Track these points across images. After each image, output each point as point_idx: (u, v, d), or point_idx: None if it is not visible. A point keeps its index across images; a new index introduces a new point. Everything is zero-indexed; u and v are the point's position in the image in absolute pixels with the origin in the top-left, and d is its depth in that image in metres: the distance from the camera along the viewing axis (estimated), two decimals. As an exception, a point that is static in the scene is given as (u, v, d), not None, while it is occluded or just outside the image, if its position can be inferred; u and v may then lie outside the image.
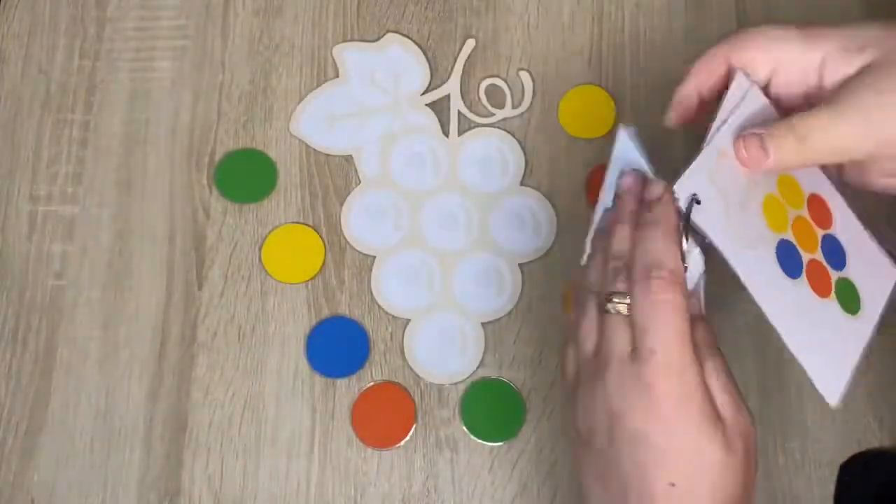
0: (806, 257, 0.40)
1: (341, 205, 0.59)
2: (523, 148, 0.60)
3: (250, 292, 0.57)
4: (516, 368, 0.56)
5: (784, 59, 0.38)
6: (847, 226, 0.41)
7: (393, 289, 0.57)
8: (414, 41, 0.62)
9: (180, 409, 0.55)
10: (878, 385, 0.56)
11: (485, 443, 0.55)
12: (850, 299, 0.40)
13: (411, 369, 0.56)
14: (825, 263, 0.40)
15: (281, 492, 0.54)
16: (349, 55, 0.61)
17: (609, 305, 0.38)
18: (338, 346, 0.57)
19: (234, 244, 0.58)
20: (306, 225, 0.58)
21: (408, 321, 0.57)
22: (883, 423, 0.55)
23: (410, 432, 0.55)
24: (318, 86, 0.61)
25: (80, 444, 0.55)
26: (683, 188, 0.38)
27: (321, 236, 0.58)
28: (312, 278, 0.58)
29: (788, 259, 0.39)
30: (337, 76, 0.61)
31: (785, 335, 0.39)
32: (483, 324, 0.57)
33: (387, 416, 0.55)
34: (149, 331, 0.57)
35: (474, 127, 0.60)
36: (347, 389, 0.56)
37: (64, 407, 0.55)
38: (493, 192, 0.59)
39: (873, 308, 0.41)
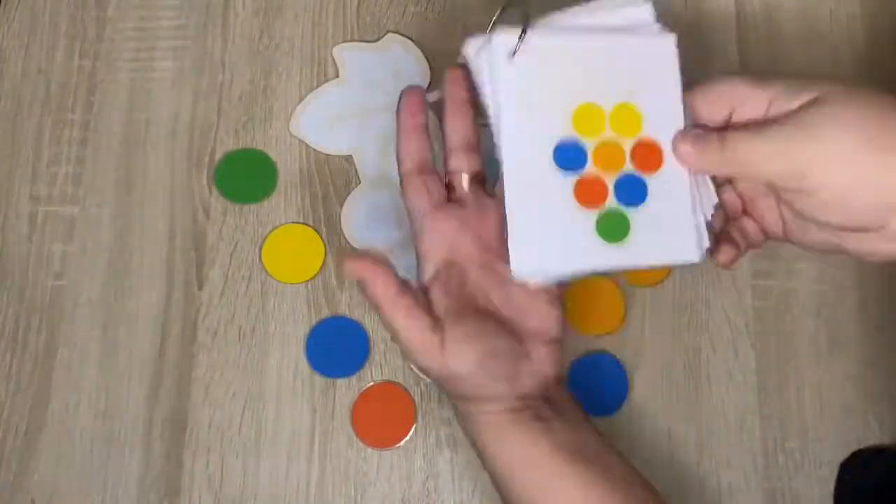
0: (593, 170, 0.42)
1: (341, 205, 0.59)
2: None
3: (250, 292, 0.57)
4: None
5: (738, 99, 0.42)
6: (673, 183, 0.43)
7: None
8: (414, 42, 0.62)
9: (180, 409, 0.55)
10: (877, 384, 0.56)
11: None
12: (614, 230, 0.42)
13: (411, 369, 0.56)
14: (611, 190, 0.42)
15: (281, 492, 0.54)
16: (349, 55, 0.62)
17: None
18: (338, 345, 0.57)
19: (234, 244, 0.58)
20: (306, 225, 0.59)
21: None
22: (882, 422, 0.55)
23: (410, 432, 0.55)
24: (318, 86, 0.61)
25: (80, 444, 0.55)
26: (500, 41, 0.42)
27: (321, 236, 0.58)
28: (312, 278, 0.58)
29: (566, 156, 0.42)
30: (337, 76, 0.61)
31: (508, 195, 0.42)
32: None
33: (387, 416, 0.55)
34: (149, 331, 0.57)
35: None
36: (347, 389, 0.56)
37: (64, 407, 0.56)
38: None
39: (640, 257, 0.42)
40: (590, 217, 0.42)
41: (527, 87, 0.42)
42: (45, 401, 0.56)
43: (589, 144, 0.42)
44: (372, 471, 0.55)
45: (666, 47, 0.44)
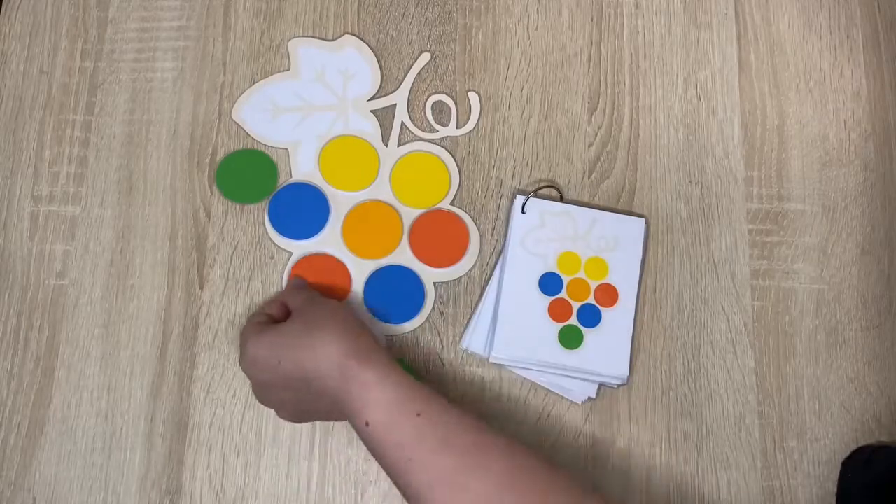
0: (564, 296, 0.57)
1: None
2: (459, 168, 0.60)
3: (251, 292, 0.58)
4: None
5: None
6: (621, 319, 0.56)
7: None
8: (414, 42, 0.62)
9: (181, 408, 0.56)
10: (875, 384, 0.56)
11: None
12: (571, 340, 0.56)
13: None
14: (574, 312, 0.56)
15: (281, 491, 0.55)
16: (303, 50, 0.61)
17: None
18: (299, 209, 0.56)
19: (235, 244, 0.58)
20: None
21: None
22: (881, 421, 0.56)
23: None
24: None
25: (82, 442, 0.55)
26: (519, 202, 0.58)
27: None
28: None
29: (548, 284, 0.57)
30: (288, 69, 0.61)
31: (503, 302, 0.56)
32: (386, 336, 0.57)
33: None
34: (150, 330, 0.57)
35: (415, 140, 0.60)
36: (348, 388, 0.56)
37: (65, 406, 0.56)
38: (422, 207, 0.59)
39: (585, 363, 0.55)
40: (555, 327, 0.56)
41: (529, 232, 0.57)
42: (46, 400, 0.56)
43: (566, 279, 0.57)
44: (372, 469, 0.55)
45: (638, 225, 0.58)
